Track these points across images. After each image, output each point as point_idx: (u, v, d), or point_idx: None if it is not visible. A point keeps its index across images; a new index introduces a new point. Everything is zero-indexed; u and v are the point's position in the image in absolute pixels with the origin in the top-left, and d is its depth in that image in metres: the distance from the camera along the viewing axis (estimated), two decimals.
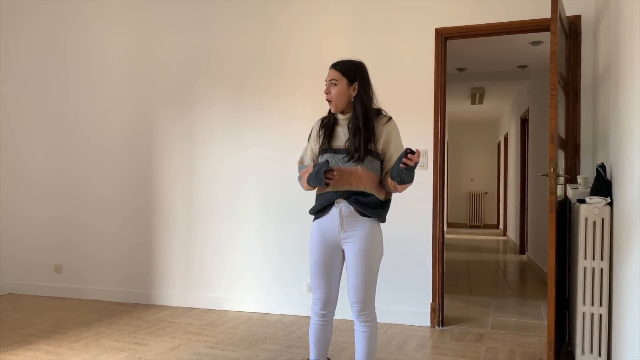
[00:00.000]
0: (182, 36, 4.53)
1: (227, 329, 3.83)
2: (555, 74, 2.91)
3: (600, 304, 2.87)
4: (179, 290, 4.53)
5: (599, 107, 3.45)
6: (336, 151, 2.36)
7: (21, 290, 4.99)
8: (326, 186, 2.30)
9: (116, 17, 4.73)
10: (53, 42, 4.93)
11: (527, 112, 7.29)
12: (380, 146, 2.34)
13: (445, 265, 4.08)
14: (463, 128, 12.80)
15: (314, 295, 2.44)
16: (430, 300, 3.91)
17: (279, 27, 4.28)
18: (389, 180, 2.32)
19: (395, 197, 2.66)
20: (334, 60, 2.44)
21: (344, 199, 2.33)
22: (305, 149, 2.53)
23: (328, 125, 2.43)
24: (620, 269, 2.66)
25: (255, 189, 4.34)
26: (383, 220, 2.39)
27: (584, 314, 2.90)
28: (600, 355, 2.87)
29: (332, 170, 2.25)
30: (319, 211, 2.41)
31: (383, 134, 2.35)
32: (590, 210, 2.88)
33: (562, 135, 3.57)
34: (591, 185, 3.10)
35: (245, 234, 4.37)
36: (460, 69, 6.83)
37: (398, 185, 2.30)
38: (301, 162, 2.54)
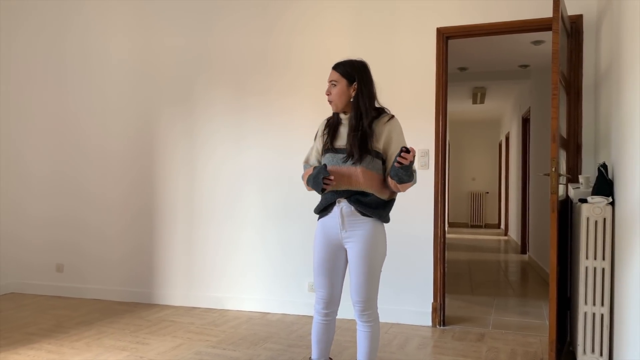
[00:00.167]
0: (183, 36, 4.53)
1: (228, 328, 3.84)
2: (557, 73, 2.90)
3: (602, 304, 2.87)
4: (180, 289, 4.53)
5: (601, 107, 3.45)
6: (337, 151, 2.37)
7: (23, 289, 5.00)
8: (323, 192, 2.31)
9: (117, 17, 4.74)
10: (53, 42, 4.93)
11: (528, 111, 7.29)
12: (381, 145, 2.34)
13: (446, 264, 4.07)
14: (464, 128, 12.79)
15: (317, 294, 2.44)
16: (432, 300, 3.91)
17: (280, 27, 4.28)
18: (390, 179, 2.32)
19: (396, 196, 2.65)
20: (335, 61, 2.45)
21: (345, 198, 2.34)
22: (311, 149, 2.55)
23: (332, 125, 2.44)
24: (621, 268, 2.66)
25: (256, 189, 4.34)
26: (385, 220, 2.38)
27: (585, 313, 2.90)
28: (601, 355, 2.87)
29: (330, 176, 2.26)
30: (322, 210, 2.42)
31: (384, 133, 2.34)
32: (592, 209, 2.87)
33: (564, 134, 3.56)
34: (593, 184, 3.09)
35: (246, 234, 4.37)
36: (462, 69, 6.82)
37: (399, 185, 2.30)
38: (307, 162, 2.56)
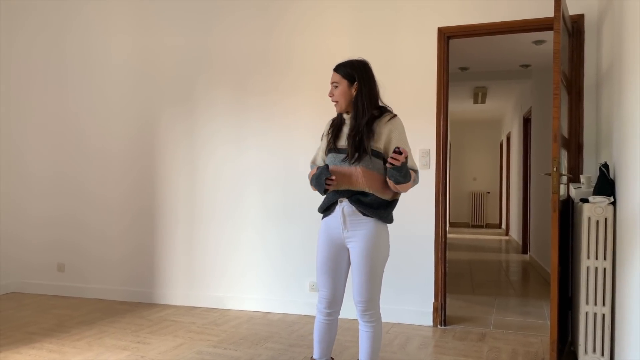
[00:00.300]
0: (184, 36, 4.53)
1: (229, 327, 3.84)
2: (558, 73, 2.90)
3: (603, 304, 2.87)
4: (181, 289, 4.53)
5: (602, 106, 3.44)
6: (339, 151, 2.38)
7: (24, 289, 5.00)
8: (325, 192, 2.33)
9: (117, 17, 4.74)
10: (54, 42, 4.93)
11: (529, 111, 7.28)
12: (381, 145, 2.33)
13: (447, 264, 4.07)
14: (465, 127, 12.79)
15: (320, 293, 2.44)
16: (433, 300, 3.91)
17: (281, 27, 4.28)
18: (388, 180, 2.32)
19: (399, 197, 2.65)
20: (336, 61, 2.46)
21: (346, 198, 2.34)
22: (318, 149, 2.56)
23: (336, 125, 2.45)
24: (623, 268, 2.66)
25: (257, 189, 4.34)
26: (387, 220, 2.37)
27: (586, 313, 2.90)
28: (603, 355, 2.87)
29: (332, 177, 2.27)
30: (325, 210, 2.43)
31: (384, 132, 2.34)
32: (594, 209, 2.87)
33: (565, 134, 3.56)
34: (594, 184, 3.09)
35: (247, 234, 4.37)
36: (463, 68, 6.82)
37: (397, 185, 2.30)
38: (313, 162, 2.58)
